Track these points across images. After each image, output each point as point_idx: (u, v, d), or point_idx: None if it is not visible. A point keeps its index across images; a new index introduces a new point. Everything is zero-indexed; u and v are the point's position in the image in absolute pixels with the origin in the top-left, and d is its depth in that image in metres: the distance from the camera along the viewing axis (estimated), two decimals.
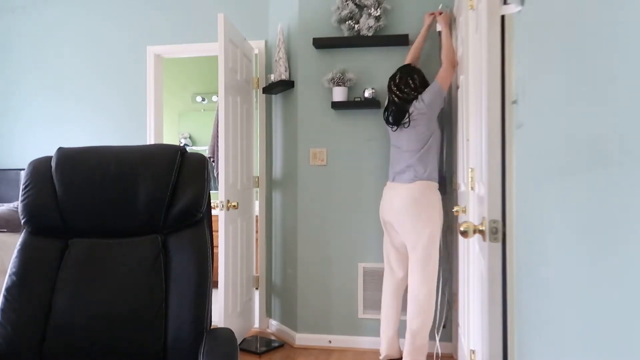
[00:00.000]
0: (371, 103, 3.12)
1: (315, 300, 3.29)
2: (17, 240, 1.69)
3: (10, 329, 1.53)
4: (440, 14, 2.96)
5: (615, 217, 0.60)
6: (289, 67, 3.40)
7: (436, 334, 2.96)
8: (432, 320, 2.79)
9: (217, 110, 3.31)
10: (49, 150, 4.08)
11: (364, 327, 3.23)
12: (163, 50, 3.93)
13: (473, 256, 2.05)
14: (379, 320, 3.05)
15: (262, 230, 3.70)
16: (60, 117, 4.17)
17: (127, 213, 1.66)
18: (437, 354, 3.00)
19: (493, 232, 1.33)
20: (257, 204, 3.92)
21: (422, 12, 3.15)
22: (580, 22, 0.73)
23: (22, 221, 1.66)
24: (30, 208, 1.64)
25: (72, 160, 1.69)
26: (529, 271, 1.10)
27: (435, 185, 2.80)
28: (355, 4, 3.14)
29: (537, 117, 1.00)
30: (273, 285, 3.66)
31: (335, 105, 3.17)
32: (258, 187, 3.72)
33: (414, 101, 2.79)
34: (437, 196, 2.79)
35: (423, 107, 2.76)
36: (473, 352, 1.99)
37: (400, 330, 2.99)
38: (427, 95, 2.77)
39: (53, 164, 1.69)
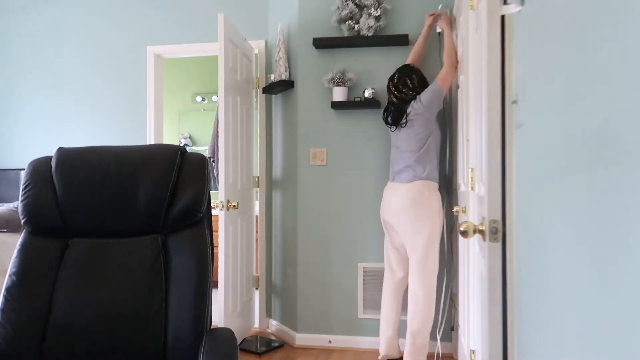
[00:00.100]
0: (371, 103, 3.12)
1: (315, 300, 3.29)
2: (17, 240, 1.69)
3: (10, 329, 1.53)
4: (440, 14, 2.96)
5: (615, 217, 0.60)
6: (289, 67, 3.40)
7: (437, 334, 2.96)
8: (432, 321, 2.79)
9: (217, 110, 3.31)
10: (49, 150, 4.08)
11: (364, 327, 3.23)
12: (163, 50, 3.94)
13: (473, 256, 2.05)
14: (379, 320, 3.05)
15: (262, 230, 3.70)
16: (60, 117, 4.17)
17: (127, 213, 1.66)
18: (438, 354, 3.00)
19: (493, 232, 1.33)
20: (257, 204, 3.92)
21: (422, 12, 3.15)
22: (580, 22, 0.73)
23: (22, 221, 1.66)
24: (30, 208, 1.64)
25: (72, 160, 1.68)
26: (529, 271, 1.10)
27: (435, 185, 2.80)
28: (355, 4, 3.14)
29: (537, 117, 1.00)
30: (273, 285, 3.66)
31: (335, 105, 3.17)
32: (258, 187, 3.72)
33: (412, 101, 2.79)
34: (436, 196, 2.79)
35: (420, 107, 2.76)
36: (473, 352, 1.99)
37: (401, 330, 2.99)
38: (425, 95, 2.77)
39: (53, 164, 1.69)
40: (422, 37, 3.03)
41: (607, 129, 0.63)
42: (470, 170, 2.09)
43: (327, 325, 3.28)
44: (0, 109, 4.31)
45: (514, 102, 1.27)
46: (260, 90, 3.67)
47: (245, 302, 3.49)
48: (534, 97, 1.03)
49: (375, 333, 3.15)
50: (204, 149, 5.39)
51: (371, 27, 3.10)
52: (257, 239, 3.77)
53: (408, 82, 2.82)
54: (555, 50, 0.86)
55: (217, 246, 3.08)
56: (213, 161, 3.77)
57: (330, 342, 3.27)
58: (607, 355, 0.62)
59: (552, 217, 0.89)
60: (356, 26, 3.14)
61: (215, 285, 4.30)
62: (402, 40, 3.11)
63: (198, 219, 1.69)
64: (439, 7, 3.02)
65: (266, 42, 3.73)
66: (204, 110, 5.69)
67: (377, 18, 3.10)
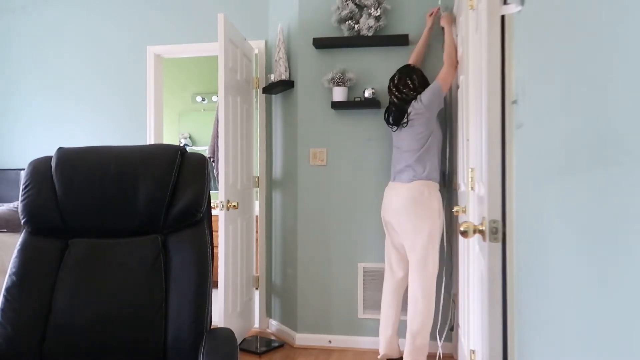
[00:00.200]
0: (371, 103, 3.12)
1: (315, 300, 3.29)
2: (17, 240, 1.69)
3: (10, 329, 1.53)
4: (438, 10, 2.98)
5: (615, 217, 0.60)
6: (289, 67, 3.40)
7: (437, 335, 2.96)
8: (432, 321, 2.79)
9: (217, 110, 3.31)
10: (49, 150, 4.08)
11: (364, 327, 3.23)
12: (163, 50, 3.94)
13: (473, 256, 2.05)
14: (379, 320, 3.05)
15: (262, 230, 3.70)
16: (60, 117, 4.17)
17: (127, 213, 1.66)
18: (439, 354, 3.00)
19: (493, 232, 1.33)
20: (257, 204, 3.92)
21: (422, 12, 3.15)
22: (580, 22, 0.73)
23: (22, 221, 1.66)
24: (30, 208, 1.64)
25: (72, 160, 1.68)
26: (529, 271, 1.10)
27: (436, 185, 2.80)
28: (355, 4, 3.14)
29: (537, 117, 1.00)
30: (273, 285, 3.66)
31: (335, 105, 3.17)
32: (258, 187, 3.72)
33: (413, 101, 2.80)
34: (436, 196, 2.79)
35: (421, 107, 2.77)
36: (473, 352, 1.99)
37: (400, 330, 2.99)
38: (426, 95, 2.78)
39: (53, 164, 1.69)
40: (424, 39, 3.03)
41: (607, 129, 0.63)
42: (470, 170, 2.09)
43: (327, 325, 3.28)
44: (0, 109, 4.31)
45: (514, 102, 1.27)
46: (260, 90, 3.67)
47: (245, 302, 3.49)
48: (534, 97, 1.03)
49: (375, 333, 3.15)
50: (204, 149, 5.39)
51: (371, 27, 3.10)
52: (257, 239, 3.77)
53: (408, 83, 2.83)
54: (555, 50, 0.86)
55: (217, 246, 3.08)
56: (213, 161, 3.77)
57: (330, 342, 3.27)
58: (607, 355, 0.62)
59: (552, 217, 0.89)
60: (356, 26, 3.14)
61: (215, 285, 4.29)
62: (402, 40, 3.11)
63: (198, 219, 1.69)
64: (439, 2, 3.03)
65: (266, 42, 3.73)
66: (204, 110, 5.69)
67: (377, 18, 3.10)
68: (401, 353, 2.94)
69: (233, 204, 3.12)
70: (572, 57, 0.77)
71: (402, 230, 2.79)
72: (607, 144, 0.62)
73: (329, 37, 3.20)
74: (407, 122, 2.80)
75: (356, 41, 3.16)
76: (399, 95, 2.85)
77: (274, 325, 3.61)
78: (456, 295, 2.98)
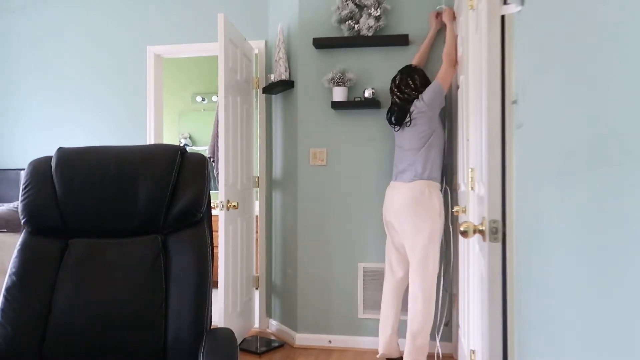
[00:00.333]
0: (371, 103, 3.12)
1: (315, 300, 3.29)
2: (17, 240, 1.69)
3: (10, 329, 1.53)
4: (441, 13, 2.98)
5: (615, 217, 0.60)
6: (289, 67, 3.40)
7: (437, 334, 2.96)
8: (432, 321, 2.79)
9: (217, 110, 3.31)
10: (49, 150, 4.08)
11: (364, 327, 3.23)
12: (163, 50, 3.94)
13: (473, 256, 2.06)
14: (379, 320, 3.05)
15: (262, 230, 3.70)
16: (60, 117, 4.17)
17: (127, 213, 1.66)
18: (438, 354, 3.00)
19: (493, 232, 1.33)
20: (257, 204, 3.92)
21: (422, 12, 3.15)
22: (580, 22, 0.73)
23: (22, 221, 1.66)
24: (30, 208, 1.64)
25: (72, 160, 1.68)
26: (529, 271, 1.10)
27: (437, 185, 2.81)
28: (355, 4, 3.14)
29: (537, 117, 1.00)
30: (273, 285, 3.66)
31: (335, 105, 3.17)
32: (258, 187, 3.72)
33: (415, 100, 2.81)
34: (437, 196, 2.79)
35: (423, 105, 2.77)
36: (473, 352, 2.00)
37: (401, 330, 2.99)
38: (427, 94, 2.78)
39: (53, 164, 1.69)
40: (429, 40, 3.05)
41: (607, 129, 0.63)
42: (470, 170, 2.09)
43: (327, 325, 3.28)
44: (0, 109, 4.31)
45: (514, 102, 1.27)
46: (260, 90, 3.67)
47: (245, 302, 3.49)
48: (534, 97, 1.03)
49: (375, 333, 3.15)
50: (204, 149, 5.39)
51: (371, 27, 3.10)
52: (257, 239, 3.77)
53: (410, 83, 2.85)
54: (555, 50, 0.86)
55: (217, 246, 3.08)
56: (213, 161, 3.77)
57: (330, 342, 3.27)
58: (607, 355, 0.62)
59: (552, 217, 0.89)
60: (356, 26, 3.14)
61: (215, 285, 4.29)
62: (402, 40, 3.11)
63: (198, 219, 1.69)
64: (437, 8, 3.03)
65: (266, 42, 3.73)
66: (204, 110, 5.69)
67: (377, 18, 3.10)
68: (401, 353, 2.94)
69: (233, 204, 3.12)
70: (572, 57, 0.77)
71: (403, 230, 2.79)
72: (607, 144, 0.62)
73: (329, 37, 3.20)
74: (410, 122, 2.81)
75: (356, 41, 3.16)
76: (401, 96, 2.86)
77: (274, 325, 3.61)
78: (456, 295, 2.98)
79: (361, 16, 3.15)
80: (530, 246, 1.08)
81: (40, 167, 1.70)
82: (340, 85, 3.15)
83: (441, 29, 3.07)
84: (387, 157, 3.19)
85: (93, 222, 1.66)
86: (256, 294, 3.73)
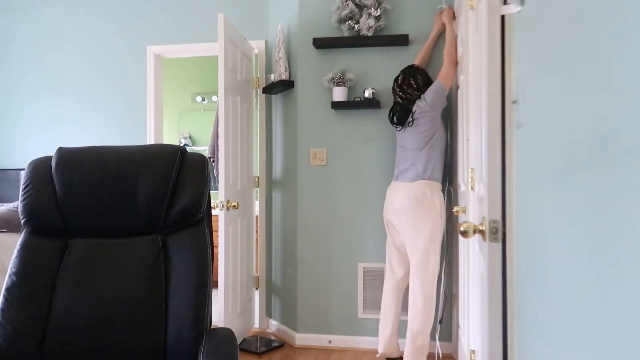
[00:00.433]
0: (371, 103, 3.12)
1: (315, 300, 3.29)
2: (17, 240, 1.69)
3: (10, 329, 1.53)
4: (442, 13, 2.98)
5: (615, 217, 0.60)
6: (289, 67, 3.40)
7: (437, 334, 2.96)
8: (432, 321, 2.79)
9: (217, 110, 3.31)
10: (49, 150, 4.08)
11: (364, 327, 3.23)
12: (163, 50, 3.94)
13: (473, 256, 2.06)
14: (379, 320, 3.05)
15: (262, 230, 3.70)
16: (60, 117, 4.17)
17: (127, 213, 1.66)
18: (438, 354, 3.00)
19: (493, 232, 1.33)
20: (257, 204, 3.92)
21: (422, 12, 3.15)
22: (580, 22, 0.73)
23: (22, 221, 1.66)
24: (30, 208, 1.64)
25: (72, 160, 1.69)
26: (529, 271, 1.10)
27: (438, 185, 2.80)
28: (355, 4, 3.14)
29: (537, 117, 1.00)
30: (273, 285, 3.66)
31: (335, 105, 3.17)
32: (258, 187, 3.72)
33: (417, 100, 2.81)
34: (439, 196, 2.79)
35: (425, 105, 2.77)
36: (473, 352, 1.99)
37: (401, 330, 2.99)
38: (429, 94, 2.79)
39: (53, 164, 1.69)
40: (431, 39, 3.05)
41: (607, 129, 0.63)
42: (470, 170, 2.09)
43: (327, 325, 3.28)
44: (0, 109, 4.31)
45: (514, 102, 1.27)
46: (260, 90, 3.67)
47: (245, 302, 3.49)
48: (534, 97, 1.03)
49: (375, 333, 3.15)
50: (204, 149, 5.39)
51: (371, 27, 3.10)
52: (257, 239, 3.77)
53: (412, 83, 2.85)
54: (555, 50, 0.86)
55: (217, 246, 3.08)
56: (213, 161, 3.77)
57: (330, 342, 3.27)
58: (607, 355, 0.62)
59: (552, 216, 0.89)
60: (356, 26, 3.14)
61: (215, 285, 4.30)
62: (402, 40, 3.11)
63: (198, 219, 1.69)
64: (438, 8, 3.03)
65: (266, 42, 3.73)
66: (204, 110, 5.69)
67: (377, 18, 3.10)
68: (400, 353, 2.94)
69: (233, 204, 3.12)
70: (572, 56, 0.77)
71: (404, 229, 2.79)
72: (607, 144, 0.62)
73: (329, 37, 3.20)
74: (412, 122, 2.81)
75: (356, 41, 3.16)
76: (403, 96, 2.86)
77: (274, 325, 3.61)
78: (456, 295, 2.98)
79: (361, 16, 3.15)
80: (530, 246, 1.08)
81: (40, 167, 1.70)
82: (340, 85, 3.15)
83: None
84: (387, 157, 3.19)
85: (93, 222, 1.66)
86: (256, 294, 3.73)
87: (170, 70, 5.52)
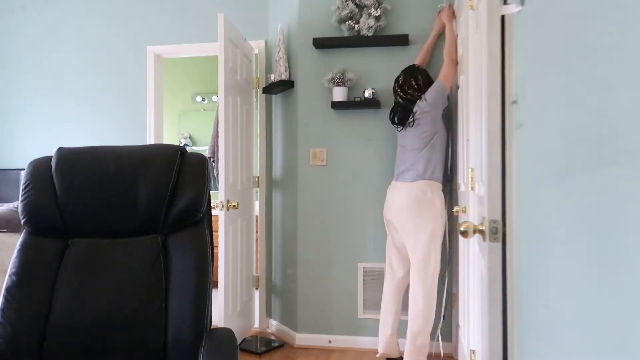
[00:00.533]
0: (371, 103, 3.12)
1: (315, 300, 3.29)
2: (17, 240, 1.69)
3: (10, 328, 1.53)
4: (441, 12, 2.98)
5: (615, 217, 0.60)
6: (289, 67, 3.40)
7: (439, 335, 2.96)
8: (432, 321, 2.79)
9: (217, 110, 3.31)
10: (49, 150, 4.08)
11: (364, 327, 3.23)
12: (163, 50, 3.94)
13: (473, 256, 2.06)
14: (379, 320, 3.05)
15: (262, 230, 3.70)
16: (60, 117, 4.17)
17: (127, 213, 1.66)
18: (439, 354, 3.00)
19: (493, 232, 1.33)
20: (257, 204, 3.92)
21: (422, 12, 3.15)
22: (580, 22, 0.73)
23: (22, 221, 1.66)
24: (30, 208, 1.64)
25: (72, 160, 1.69)
26: (529, 271, 1.10)
27: (439, 185, 2.80)
28: (355, 4, 3.14)
29: (537, 117, 1.00)
30: (273, 285, 3.66)
31: (335, 105, 3.17)
32: (258, 187, 3.72)
33: (418, 101, 2.81)
34: (439, 196, 2.79)
35: (426, 105, 2.77)
36: (473, 352, 2.00)
37: (401, 330, 2.99)
38: (429, 94, 2.79)
39: (53, 164, 1.69)
40: (431, 39, 3.05)
41: (607, 129, 0.63)
42: (470, 170, 2.09)
43: (327, 325, 3.28)
44: (0, 109, 4.31)
45: (514, 102, 1.27)
46: (260, 90, 3.67)
47: (245, 302, 3.49)
48: (534, 97, 1.03)
49: (376, 333, 3.14)
50: (204, 149, 5.39)
51: (371, 27, 3.10)
52: (257, 239, 3.77)
53: (413, 83, 2.85)
54: (555, 50, 0.86)
55: (217, 246, 3.08)
56: (213, 161, 3.77)
57: (330, 342, 3.27)
58: (607, 355, 0.62)
59: (552, 217, 0.89)
60: (356, 26, 3.14)
61: (215, 285, 4.30)
62: (402, 40, 3.11)
63: (198, 219, 1.69)
64: (439, 7, 3.03)
65: (266, 42, 3.73)
66: (204, 110, 5.69)
67: (377, 18, 3.10)
68: (400, 353, 2.94)
69: (233, 204, 3.12)
70: (572, 57, 0.77)
71: (404, 229, 2.79)
72: (607, 144, 0.62)
73: (329, 37, 3.20)
74: (413, 122, 2.81)
75: (356, 41, 3.16)
76: (404, 96, 2.86)
77: (274, 325, 3.61)
78: (456, 295, 2.98)
79: (361, 16, 3.15)
80: (530, 246, 1.08)
81: (40, 167, 1.70)
82: (340, 85, 3.15)
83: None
84: (387, 157, 3.19)
85: (93, 222, 1.66)
86: (256, 294, 3.73)
87: (170, 70, 5.52)
